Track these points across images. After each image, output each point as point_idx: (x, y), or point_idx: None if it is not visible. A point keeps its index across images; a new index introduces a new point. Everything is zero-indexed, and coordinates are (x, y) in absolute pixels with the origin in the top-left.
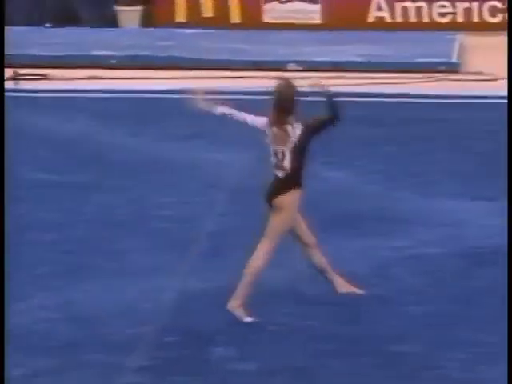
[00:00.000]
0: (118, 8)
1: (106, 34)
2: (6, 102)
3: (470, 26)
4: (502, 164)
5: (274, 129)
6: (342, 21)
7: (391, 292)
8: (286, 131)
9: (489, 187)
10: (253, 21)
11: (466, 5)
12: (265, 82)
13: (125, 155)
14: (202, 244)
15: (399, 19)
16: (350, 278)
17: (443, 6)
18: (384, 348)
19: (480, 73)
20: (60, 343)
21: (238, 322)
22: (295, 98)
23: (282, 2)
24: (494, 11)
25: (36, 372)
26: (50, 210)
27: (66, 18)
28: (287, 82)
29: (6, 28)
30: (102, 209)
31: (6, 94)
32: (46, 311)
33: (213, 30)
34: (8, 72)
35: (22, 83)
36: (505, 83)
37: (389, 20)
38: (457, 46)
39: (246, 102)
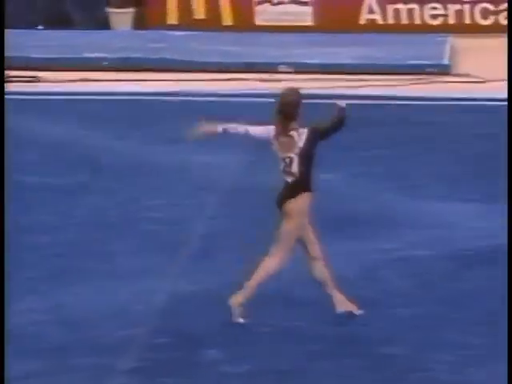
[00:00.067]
0: (109, 10)
1: (98, 36)
2: (6, 105)
3: (461, 28)
4: (490, 166)
5: (280, 136)
6: (334, 23)
7: (379, 294)
8: (291, 137)
9: (477, 190)
10: (245, 23)
11: (458, 7)
12: (256, 84)
13: (116, 157)
14: (192, 246)
15: (391, 21)
16: (342, 282)
17: (435, 8)
18: (372, 350)
19: (470, 75)
20: (51, 346)
21: (229, 324)
22: (298, 103)
23: (273, 4)
24: (485, 13)
25: (27, 374)
26: (40, 213)
27: (58, 20)
28: (290, 88)
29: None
30: (93, 211)
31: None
32: (37, 314)
33: (204, 32)
34: None
35: (14, 85)
36: (496, 85)
37: (380, 22)
38: (448, 48)
39: (238, 103)
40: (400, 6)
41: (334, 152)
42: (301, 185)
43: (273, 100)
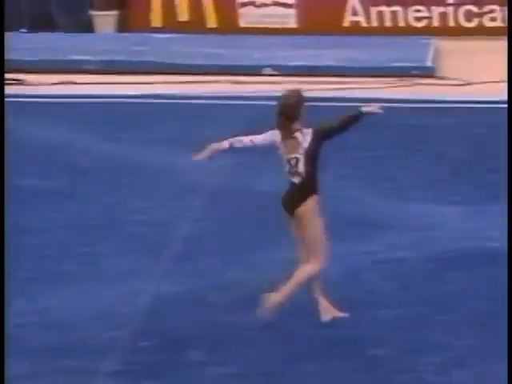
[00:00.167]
0: (93, 13)
1: (82, 38)
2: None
3: (445, 31)
4: (473, 168)
5: (284, 138)
6: (318, 25)
7: (365, 296)
8: (296, 139)
9: (461, 192)
10: (229, 25)
11: (442, 9)
12: (240, 86)
13: (100, 160)
14: (177, 248)
15: (375, 24)
16: (327, 284)
17: (418, 11)
18: (357, 352)
19: (452, 78)
20: (35, 348)
21: (213, 326)
22: (299, 104)
23: (257, 7)
24: (469, 16)
25: (13, 377)
26: (27, 215)
27: (42, 23)
28: (291, 90)
29: None
30: (78, 214)
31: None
32: (23, 316)
33: (188, 35)
34: None
35: None
36: (480, 88)
37: (364, 25)
38: (432, 50)
39: (222, 106)
40: (383, 8)
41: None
42: (308, 186)
43: (257, 102)
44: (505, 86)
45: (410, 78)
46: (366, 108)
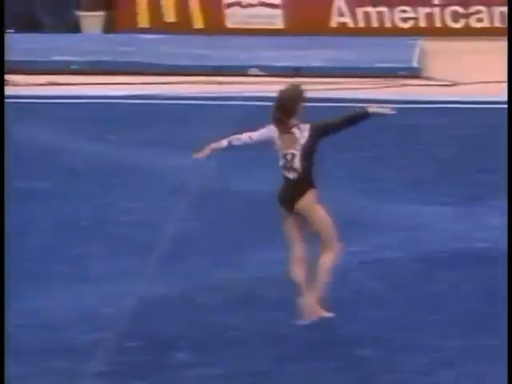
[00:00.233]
0: (80, 13)
1: (68, 39)
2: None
3: (431, 32)
4: (461, 169)
5: (282, 134)
6: (304, 26)
7: (352, 296)
8: (293, 134)
9: (449, 192)
10: (215, 26)
11: (428, 10)
12: (227, 87)
13: (87, 161)
14: (167, 249)
15: (361, 24)
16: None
17: (405, 11)
18: (344, 352)
19: (439, 78)
20: (20, 349)
21: (200, 327)
22: (296, 99)
23: (243, 7)
24: (455, 16)
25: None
26: (15, 217)
27: (28, 24)
28: (290, 84)
29: None
30: (66, 215)
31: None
32: (14, 317)
33: (175, 36)
34: None
35: None
36: (466, 88)
37: (351, 25)
38: (418, 51)
39: (209, 106)
40: (369, 9)
41: None
42: (304, 182)
43: (244, 103)
44: (491, 86)
45: (397, 79)
46: (372, 109)
